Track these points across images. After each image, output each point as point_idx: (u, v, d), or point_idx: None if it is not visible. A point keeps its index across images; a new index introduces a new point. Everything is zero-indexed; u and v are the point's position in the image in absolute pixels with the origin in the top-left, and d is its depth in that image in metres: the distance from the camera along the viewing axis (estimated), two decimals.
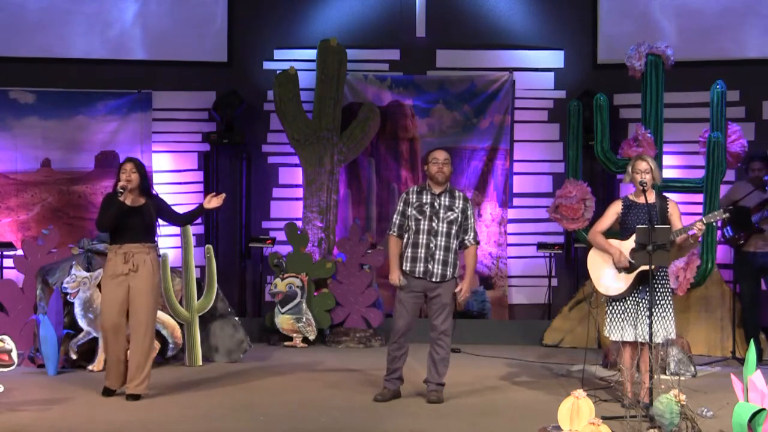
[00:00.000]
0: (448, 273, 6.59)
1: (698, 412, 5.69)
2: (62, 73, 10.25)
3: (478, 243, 6.81)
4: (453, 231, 6.62)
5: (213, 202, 6.80)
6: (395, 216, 6.77)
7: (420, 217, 6.63)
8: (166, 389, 7.02)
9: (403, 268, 6.64)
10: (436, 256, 6.57)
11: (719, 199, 8.55)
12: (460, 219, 6.65)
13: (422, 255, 6.58)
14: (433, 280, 6.57)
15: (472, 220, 6.74)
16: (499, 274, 10.35)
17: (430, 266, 6.57)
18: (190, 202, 10.23)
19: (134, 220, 6.57)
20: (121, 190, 6.50)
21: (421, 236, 6.60)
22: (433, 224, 6.60)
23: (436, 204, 6.63)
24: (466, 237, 6.70)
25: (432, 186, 6.68)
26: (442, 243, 6.59)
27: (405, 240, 6.68)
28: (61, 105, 10.17)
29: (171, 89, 10.44)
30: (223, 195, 6.89)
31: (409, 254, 6.63)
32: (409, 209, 6.67)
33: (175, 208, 7.08)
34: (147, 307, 6.60)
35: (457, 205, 6.66)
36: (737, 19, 10.08)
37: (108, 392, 6.69)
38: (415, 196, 6.70)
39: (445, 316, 6.61)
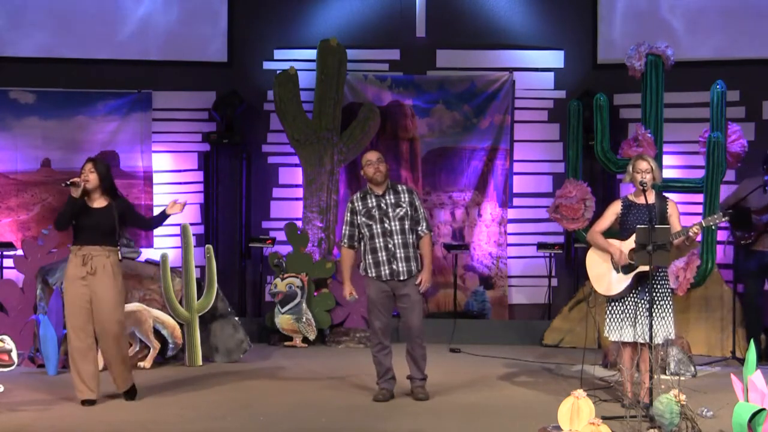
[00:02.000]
0: (413, 268, 6.65)
1: (698, 412, 5.69)
2: (62, 73, 10.24)
3: (431, 231, 6.86)
4: (406, 226, 6.66)
5: (175, 207, 6.75)
6: (344, 227, 6.82)
7: (370, 222, 6.66)
8: (166, 389, 7.03)
9: (369, 274, 6.68)
10: (398, 255, 6.62)
11: (728, 197, 8.56)
12: (410, 212, 6.68)
13: (384, 258, 6.62)
14: (401, 278, 6.62)
15: (422, 209, 6.78)
16: (499, 274, 10.35)
17: (395, 266, 6.61)
18: (190, 202, 10.23)
19: (94, 221, 6.42)
20: (70, 184, 6.34)
21: (377, 240, 6.64)
22: (386, 225, 6.64)
23: (382, 205, 6.67)
24: (419, 228, 6.74)
25: (373, 188, 6.72)
26: (400, 241, 6.63)
27: (363, 248, 6.72)
28: (61, 105, 10.16)
29: (171, 89, 10.42)
30: (185, 202, 6.86)
31: (371, 260, 6.67)
32: (358, 217, 6.71)
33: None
34: (110, 312, 6.41)
35: (403, 199, 6.70)
36: (737, 19, 10.07)
37: (89, 402, 6.41)
38: (360, 203, 6.73)
39: (417, 314, 6.67)
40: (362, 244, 6.73)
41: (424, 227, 6.75)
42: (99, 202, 6.51)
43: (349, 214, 6.78)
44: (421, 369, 6.74)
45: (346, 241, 6.81)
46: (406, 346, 6.75)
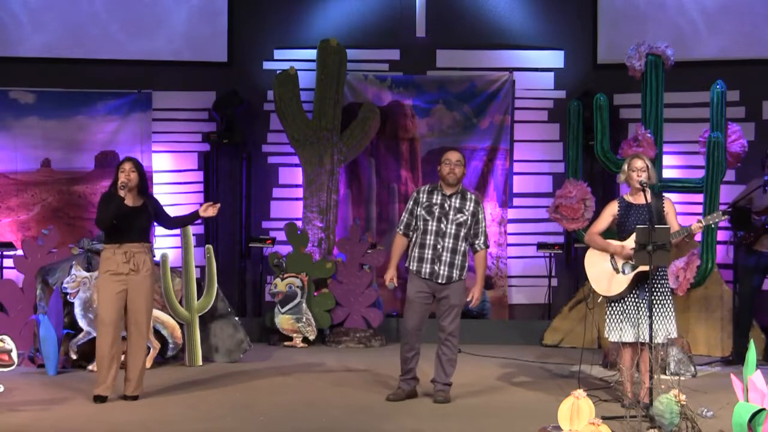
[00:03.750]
0: (455, 275, 6.55)
1: (698, 412, 5.69)
2: (62, 73, 10.25)
3: (488, 247, 6.76)
4: (461, 233, 6.58)
5: (209, 211, 6.81)
6: (404, 214, 6.75)
7: (428, 218, 6.59)
8: (166, 389, 7.03)
9: (411, 267, 6.63)
10: (443, 258, 6.54)
11: (735, 198, 8.55)
12: (469, 222, 6.60)
13: (429, 256, 6.56)
14: (439, 281, 6.55)
15: (483, 224, 6.67)
16: (499, 274, 10.35)
17: (436, 268, 6.54)
18: (190, 202, 10.26)
19: (134, 219, 6.57)
20: (123, 186, 6.47)
21: (428, 237, 6.58)
22: (441, 225, 6.57)
23: (445, 205, 6.60)
24: (477, 241, 6.65)
25: (443, 187, 6.64)
26: (450, 245, 6.55)
27: (413, 239, 6.66)
28: (61, 105, 10.17)
29: (171, 89, 10.44)
30: (218, 205, 6.91)
31: (416, 254, 6.61)
32: (418, 209, 6.64)
33: (174, 208, 7.09)
34: (146, 308, 6.61)
35: (467, 207, 6.61)
36: (737, 18, 10.08)
37: (100, 399, 6.53)
38: (425, 196, 6.66)
39: (453, 318, 6.58)
40: (414, 236, 6.67)
41: (482, 241, 6.66)
42: (135, 201, 6.63)
43: (411, 203, 6.70)
44: (446, 372, 6.62)
45: (402, 228, 6.72)
46: (437, 349, 6.67)
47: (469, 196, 6.68)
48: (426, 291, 6.59)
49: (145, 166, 9.98)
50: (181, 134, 10.50)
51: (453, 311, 6.58)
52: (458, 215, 6.59)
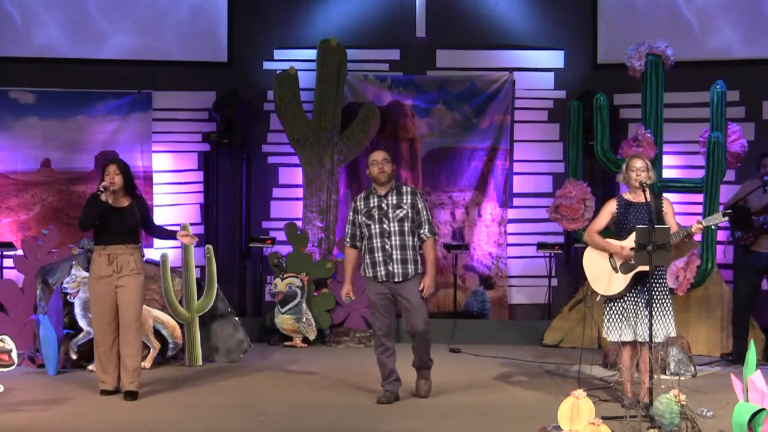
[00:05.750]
0: (410, 270, 6.60)
1: (698, 412, 5.69)
2: (62, 73, 10.24)
3: (435, 234, 6.79)
4: (406, 228, 6.62)
5: (186, 239, 6.95)
6: (347, 226, 6.81)
7: (369, 222, 6.64)
8: (166, 389, 7.04)
9: (366, 274, 6.68)
10: (395, 257, 6.58)
11: (729, 199, 8.54)
12: (411, 214, 6.64)
13: (380, 258, 6.60)
14: (396, 280, 6.59)
15: (425, 212, 6.72)
16: (499, 274, 10.35)
17: (390, 268, 6.58)
18: (190, 202, 10.28)
19: (117, 221, 6.65)
20: (102, 189, 6.56)
21: (375, 240, 6.62)
22: (384, 226, 6.61)
23: (383, 205, 6.64)
24: (421, 231, 6.69)
25: (377, 188, 6.70)
26: (398, 242, 6.60)
27: (363, 248, 6.71)
28: (61, 105, 10.16)
29: (171, 89, 10.43)
30: (196, 239, 7.12)
31: (368, 260, 6.66)
32: (359, 217, 6.69)
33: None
34: (133, 308, 6.67)
35: (405, 201, 6.66)
36: (737, 18, 10.08)
37: (106, 393, 6.76)
38: (362, 203, 6.72)
39: (420, 317, 6.63)
40: (362, 244, 6.72)
41: (426, 230, 6.70)
42: (121, 202, 6.71)
43: (351, 213, 6.76)
44: (422, 357, 6.75)
45: (348, 240, 6.79)
46: (412, 344, 6.75)
47: (404, 189, 6.73)
48: (385, 291, 6.64)
49: (145, 166, 10.22)
50: (181, 134, 10.49)
51: (417, 311, 6.62)
52: (398, 211, 6.63)
